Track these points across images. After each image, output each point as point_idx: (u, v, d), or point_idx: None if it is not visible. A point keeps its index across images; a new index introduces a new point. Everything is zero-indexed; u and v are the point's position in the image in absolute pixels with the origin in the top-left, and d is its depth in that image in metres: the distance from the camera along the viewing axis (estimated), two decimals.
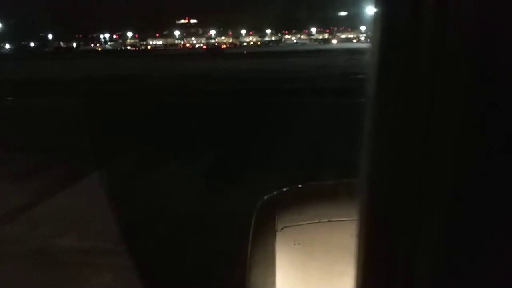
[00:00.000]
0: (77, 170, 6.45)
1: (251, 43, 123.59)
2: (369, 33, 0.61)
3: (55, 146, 8.04)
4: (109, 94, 16.32)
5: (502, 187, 0.47)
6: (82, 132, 8.87)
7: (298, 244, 1.22)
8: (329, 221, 1.30)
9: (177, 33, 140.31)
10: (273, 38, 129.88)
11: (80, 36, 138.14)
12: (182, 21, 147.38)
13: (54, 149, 7.81)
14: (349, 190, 1.27)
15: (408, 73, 0.50)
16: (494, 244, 0.49)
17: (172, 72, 25.69)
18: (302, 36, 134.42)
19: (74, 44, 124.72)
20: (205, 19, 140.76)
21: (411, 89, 0.50)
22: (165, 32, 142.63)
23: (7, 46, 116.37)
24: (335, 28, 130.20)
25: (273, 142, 7.74)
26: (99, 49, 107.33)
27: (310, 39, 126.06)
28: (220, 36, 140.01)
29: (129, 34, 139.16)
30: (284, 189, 1.56)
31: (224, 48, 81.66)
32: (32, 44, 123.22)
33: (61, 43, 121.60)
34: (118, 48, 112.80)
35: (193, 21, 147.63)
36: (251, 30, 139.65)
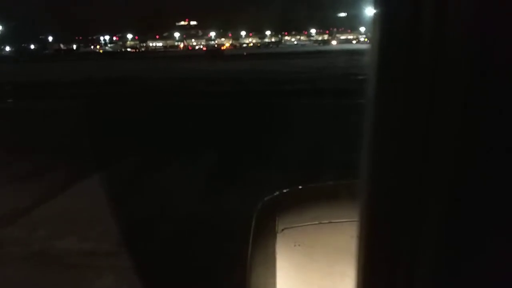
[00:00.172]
0: (78, 171, 6.45)
1: (251, 44, 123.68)
2: (369, 34, 0.61)
3: (55, 147, 8.04)
4: (110, 95, 16.34)
5: (502, 187, 0.47)
6: (82, 133, 8.88)
7: (299, 245, 1.22)
8: (329, 222, 1.30)
9: (177, 35, 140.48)
10: (273, 40, 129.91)
11: (80, 38, 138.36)
12: (182, 22, 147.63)
13: (54, 150, 7.81)
14: (349, 191, 1.27)
15: (408, 73, 0.50)
16: (494, 244, 0.49)
17: (172, 74, 25.69)
18: (302, 38, 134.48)
19: (74, 46, 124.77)
20: (205, 20, 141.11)
21: (411, 89, 0.50)
22: (165, 34, 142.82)
23: (7, 48, 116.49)
24: (335, 29, 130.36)
25: (273, 142, 7.74)
26: (100, 51, 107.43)
27: (310, 40, 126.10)
28: (220, 38, 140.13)
29: (129, 36, 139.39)
30: (284, 191, 1.56)
31: (224, 49, 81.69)
32: (32, 46, 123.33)
33: (61, 45, 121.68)
34: (118, 50, 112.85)
35: (193, 22, 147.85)
36: (251, 31, 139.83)
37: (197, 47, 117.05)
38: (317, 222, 1.30)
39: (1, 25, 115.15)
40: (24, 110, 13.56)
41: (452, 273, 0.50)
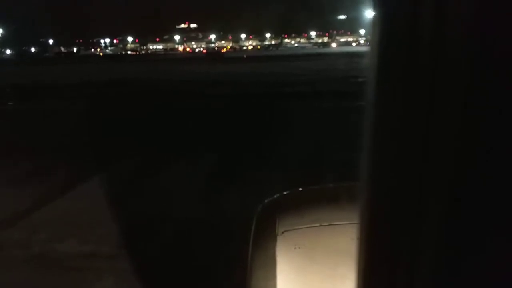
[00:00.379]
0: (78, 172, 6.45)
1: (251, 47, 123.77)
2: (369, 36, 0.61)
3: (55, 148, 8.04)
4: (110, 97, 16.36)
5: (502, 187, 0.47)
6: (82, 134, 8.87)
7: (299, 247, 1.22)
8: (330, 224, 1.30)
9: (177, 37, 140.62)
10: (273, 42, 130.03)
11: (81, 41, 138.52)
12: (182, 25, 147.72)
13: (54, 150, 7.81)
14: (349, 193, 1.27)
15: (408, 73, 0.50)
16: (494, 244, 0.49)
17: (172, 76, 25.71)
18: (302, 40, 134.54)
19: (75, 49, 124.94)
20: (205, 23, 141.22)
21: (411, 90, 0.50)
22: (165, 37, 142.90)
23: (8, 51, 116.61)
24: (335, 32, 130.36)
25: (273, 143, 7.75)
26: (100, 54, 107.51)
27: (310, 42, 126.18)
28: (220, 40, 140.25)
29: (130, 39, 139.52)
30: (285, 193, 1.56)
31: (224, 52, 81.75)
32: (32, 50, 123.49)
33: (62, 48, 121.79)
34: (119, 53, 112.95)
35: (193, 25, 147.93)
36: (251, 34, 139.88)
37: (197, 50, 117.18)
38: (317, 225, 1.30)
39: (2, 29, 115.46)
40: (25, 112, 13.58)
41: (452, 273, 0.50)
